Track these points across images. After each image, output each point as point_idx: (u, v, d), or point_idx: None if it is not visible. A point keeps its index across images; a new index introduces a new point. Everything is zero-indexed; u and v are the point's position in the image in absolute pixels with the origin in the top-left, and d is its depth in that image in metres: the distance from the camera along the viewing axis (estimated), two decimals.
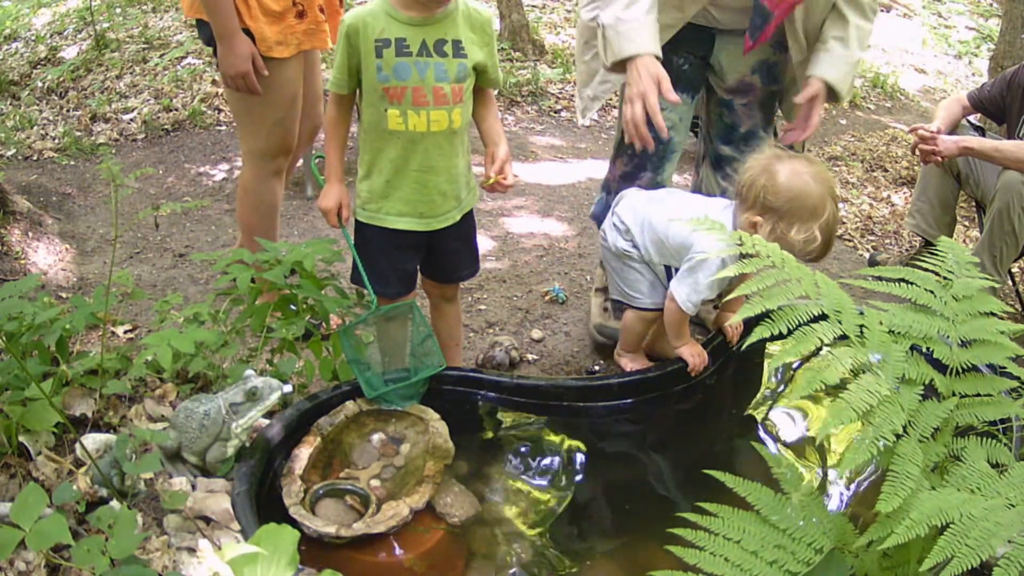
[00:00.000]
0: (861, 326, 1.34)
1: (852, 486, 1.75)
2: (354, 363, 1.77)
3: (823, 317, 1.33)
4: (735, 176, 2.51)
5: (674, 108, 2.31)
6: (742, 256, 1.42)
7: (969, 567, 1.01)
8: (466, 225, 2.05)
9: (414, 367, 1.83)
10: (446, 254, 2.06)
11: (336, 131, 1.93)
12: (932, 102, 6.94)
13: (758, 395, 2.10)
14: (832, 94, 2.16)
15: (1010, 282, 3.40)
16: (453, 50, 1.83)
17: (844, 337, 1.31)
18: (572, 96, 5.66)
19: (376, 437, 1.73)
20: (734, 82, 2.32)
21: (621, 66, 2.02)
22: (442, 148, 1.89)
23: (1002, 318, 1.47)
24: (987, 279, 1.51)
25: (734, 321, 1.52)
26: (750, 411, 2.05)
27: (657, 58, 1.97)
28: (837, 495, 1.73)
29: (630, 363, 2.25)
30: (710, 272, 1.91)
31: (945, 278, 1.49)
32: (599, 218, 2.60)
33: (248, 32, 2.21)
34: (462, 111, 1.89)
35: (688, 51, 2.26)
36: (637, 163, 2.41)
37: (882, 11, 8.84)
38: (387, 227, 1.94)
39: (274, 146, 2.42)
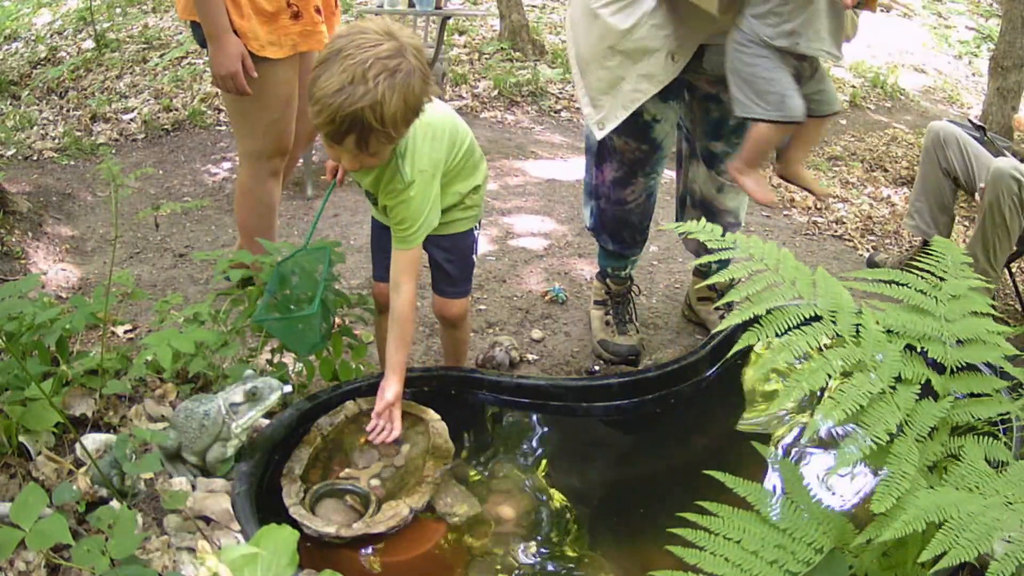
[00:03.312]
0: (857, 326, 1.34)
1: (852, 484, 1.75)
2: (269, 292, 1.81)
3: (818, 318, 1.33)
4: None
5: (666, 119, 2.29)
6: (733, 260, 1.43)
7: (964, 560, 1.01)
8: (449, 241, 1.97)
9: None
10: (429, 258, 2.05)
11: None
12: (932, 102, 6.95)
13: (757, 395, 2.11)
14: None
15: (1010, 281, 3.40)
16: (366, 193, 1.83)
17: (838, 337, 1.32)
18: (572, 96, 5.67)
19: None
20: (717, 74, 2.27)
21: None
22: None
23: (997, 318, 1.47)
24: (979, 278, 1.51)
25: (723, 327, 1.49)
26: (749, 411, 2.05)
27: None
28: (836, 494, 1.73)
29: (753, 185, 2.05)
30: None
31: (940, 278, 1.50)
32: (597, 229, 2.59)
33: (241, 33, 2.21)
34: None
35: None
36: (628, 169, 2.39)
37: (882, 11, 8.85)
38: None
39: (270, 147, 2.42)
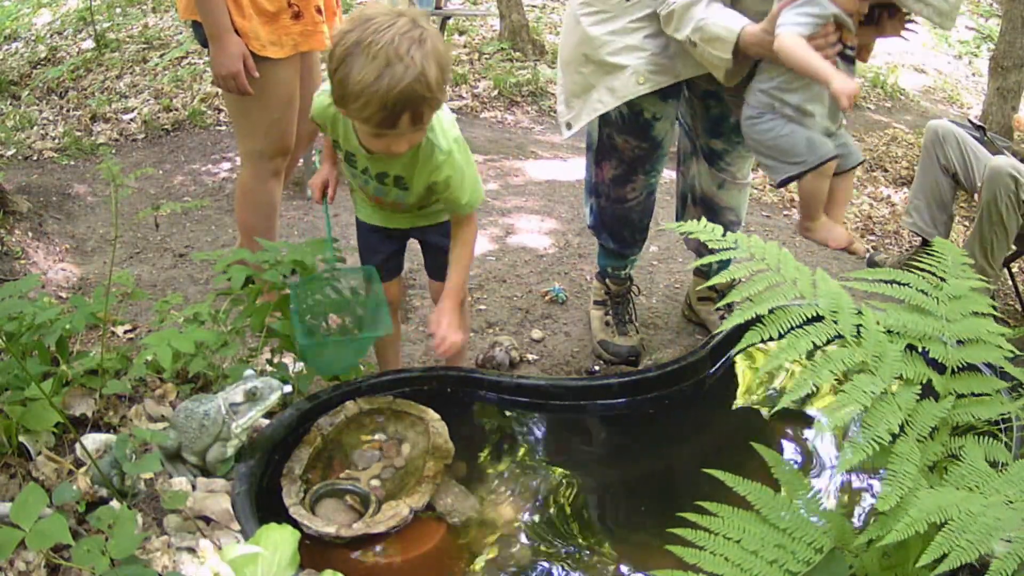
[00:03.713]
0: (858, 326, 1.34)
1: (852, 485, 1.75)
2: (295, 314, 1.79)
3: (819, 319, 1.33)
4: (730, 167, 2.49)
5: (665, 116, 2.30)
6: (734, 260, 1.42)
7: (965, 562, 1.01)
8: (447, 227, 1.99)
9: (362, 328, 1.87)
10: (428, 246, 2.06)
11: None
12: (932, 102, 6.95)
13: (756, 395, 2.10)
14: None
15: (1010, 281, 3.40)
16: (393, 182, 1.80)
17: (839, 337, 1.31)
18: None
19: (377, 437, 1.74)
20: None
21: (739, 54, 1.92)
22: (401, 210, 1.94)
23: (997, 318, 1.47)
24: (980, 279, 1.52)
25: (726, 327, 1.50)
26: (749, 411, 2.05)
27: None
28: (836, 494, 1.73)
29: (827, 235, 2.08)
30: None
31: (940, 279, 1.50)
32: (597, 227, 2.59)
33: (242, 33, 2.21)
34: (408, 211, 1.92)
35: None
36: (628, 167, 2.39)
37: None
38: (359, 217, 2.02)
39: (271, 147, 2.42)
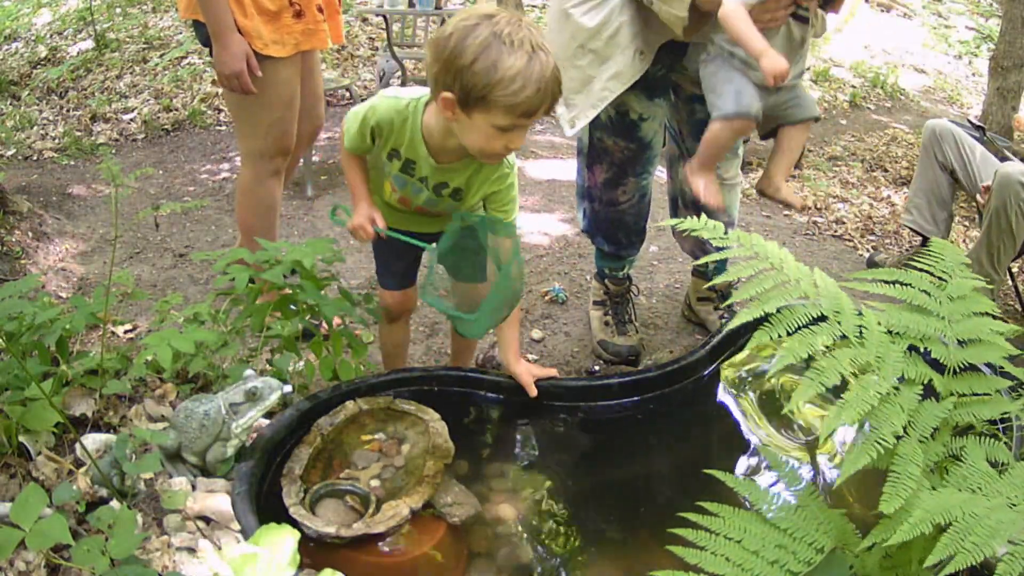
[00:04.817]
0: (860, 326, 1.34)
1: (853, 484, 1.75)
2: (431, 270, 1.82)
3: (822, 318, 1.33)
4: (718, 169, 2.48)
5: (653, 117, 2.30)
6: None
7: (969, 564, 1.01)
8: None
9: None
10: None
11: (353, 166, 1.85)
12: (932, 102, 6.95)
13: (758, 395, 2.10)
14: None
15: (1010, 281, 3.40)
16: (451, 194, 1.80)
17: (843, 337, 1.31)
18: None
19: (377, 437, 1.73)
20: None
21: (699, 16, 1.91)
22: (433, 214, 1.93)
23: (997, 318, 1.47)
24: (980, 279, 1.51)
25: (734, 325, 1.50)
26: (750, 410, 2.05)
27: None
28: (837, 493, 1.73)
29: (703, 187, 2.11)
30: None
31: (941, 279, 1.49)
32: (591, 231, 2.59)
33: (244, 32, 2.21)
34: (436, 216, 1.91)
35: (661, 61, 2.21)
36: (619, 169, 2.39)
37: (882, 11, 8.85)
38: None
39: (272, 146, 2.42)
